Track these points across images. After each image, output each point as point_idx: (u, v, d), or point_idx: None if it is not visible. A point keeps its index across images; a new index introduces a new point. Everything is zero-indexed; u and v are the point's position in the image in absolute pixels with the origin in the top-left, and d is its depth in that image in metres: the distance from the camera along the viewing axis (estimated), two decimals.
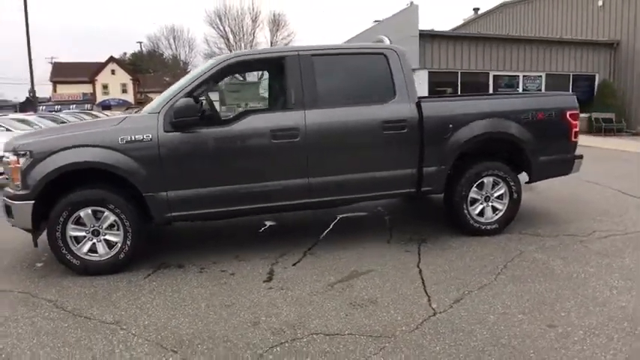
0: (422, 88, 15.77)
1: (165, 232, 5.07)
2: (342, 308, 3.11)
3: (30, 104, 36.87)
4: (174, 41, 56.72)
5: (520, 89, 15.88)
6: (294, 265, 3.94)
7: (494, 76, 15.93)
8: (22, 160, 3.66)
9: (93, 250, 3.81)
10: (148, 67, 57.78)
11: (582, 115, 16.55)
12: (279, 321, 2.97)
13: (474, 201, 4.46)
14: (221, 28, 44.97)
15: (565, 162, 4.66)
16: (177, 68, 52.79)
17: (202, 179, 3.84)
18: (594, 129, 15.52)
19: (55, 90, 52.33)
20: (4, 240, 4.73)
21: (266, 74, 4.80)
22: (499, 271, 3.67)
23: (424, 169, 4.25)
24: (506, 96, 5.22)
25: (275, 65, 4.20)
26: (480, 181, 4.40)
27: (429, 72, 15.89)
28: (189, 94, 3.83)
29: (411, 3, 15.68)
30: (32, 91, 24.83)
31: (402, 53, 4.27)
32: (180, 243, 4.79)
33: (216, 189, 3.86)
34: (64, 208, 3.67)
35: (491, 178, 4.42)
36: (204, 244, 4.67)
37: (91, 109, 37.53)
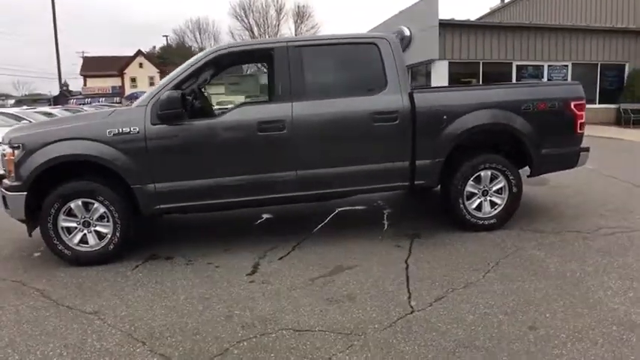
0: (442, 79, 15.43)
1: (160, 224, 5.13)
2: (318, 304, 3.06)
3: (63, 97, 38.20)
4: (200, 34, 57.45)
5: (545, 79, 15.30)
6: (280, 259, 3.91)
7: (517, 66, 15.42)
8: (16, 152, 3.76)
9: (84, 240, 3.88)
10: (174, 60, 58.73)
11: (611, 105, 16.02)
12: (252, 315, 2.95)
13: (471, 195, 4.30)
14: (245, 20, 45.29)
15: (569, 155, 4.44)
16: None
17: (189, 171, 3.84)
18: (623, 120, 14.84)
19: (85, 83, 53.86)
20: (6, 229, 4.88)
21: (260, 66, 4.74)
22: (489, 268, 3.53)
23: (417, 162, 4.12)
24: (505, 86, 4.99)
25: (264, 57, 4.15)
26: (477, 174, 4.24)
27: (449, 62, 15.54)
28: (176, 87, 3.83)
29: None
30: (61, 85, 25.68)
31: (395, 42, 4.13)
32: (173, 235, 4.82)
33: (203, 181, 3.86)
34: (55, 200, 3.75)
35: (489, 172, 4.25)
36: (198, 236, 4.69)
37: (120, 102, 38.48)
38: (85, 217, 3.84)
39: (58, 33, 23.91)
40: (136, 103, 4.00)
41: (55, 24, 23.55)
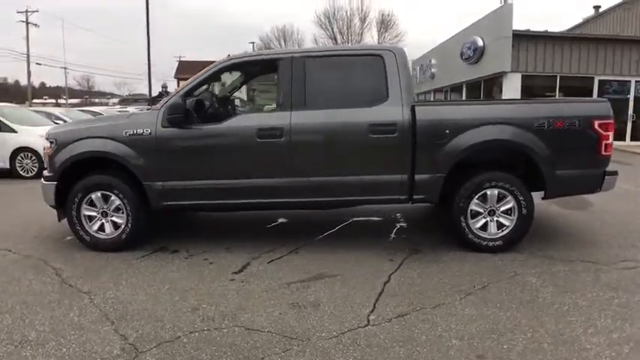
0: (514, 92, 14.62)
1: (183, 220, 5.51)
2: (281, 307, 3.14)
3: (160, 97, 42.12)
4: (285, 41, 59.84)
5: (631, 96, 13.82)
6: (271, 261, 4.03)
7: (599, 81, 14.11)
8: (51, 146, 4.32)
9: (102, 229, 4.33)
10: None
11: None
12: (216, 310, 3.10)
13: (477, 214, 4.10)
14: (329, 29, 46.29)
15: (591, 178, 4.05)
16: None
17: (192, 173, 4.13)
18: None
19: (178, 85, 58.56)
20: (53, 214, 5.54)
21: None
22: (472, 291, 3.35)
23: (416, 176, 4.03)
24: (518, 102, 4.67)
25: (270, 67, 4.32)
26: (482, 192, 4.03)
27: (522, 75, 14.67)
28: (187, 94, 4.15)
29: (505, 1, 14.59)
30: (150, 86, 28.23)
31: (401, 55, 4.09)
32: (189, 231, 5.16)
33: (204, 183, 4.12)
34: (79, 191, 4.23)
35: (495, 190, 4.02)
36: (210, 233, 4.98)
37: None
38: (103, 208, 4.28)
39: (150, 39, 26.34)
40: (154, 107, 4.38)
41: (148, 30, 26.05)
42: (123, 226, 4.27)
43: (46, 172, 4.44)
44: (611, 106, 4.08)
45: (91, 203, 4.29)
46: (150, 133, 4.10)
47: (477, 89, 18.25)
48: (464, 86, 19.61)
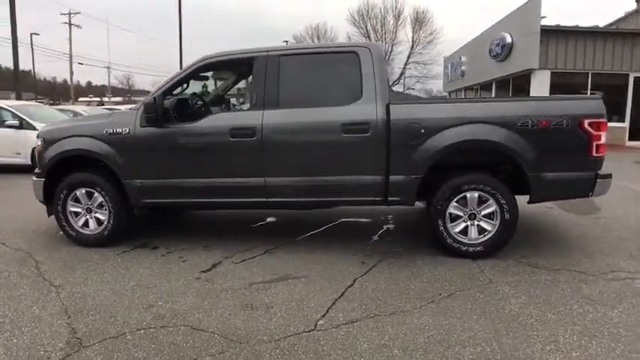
0: (542, 90, 13.99)
1: (177, 217, 5.58)
2: (233, 307, 3.11)
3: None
4: (318, 40, 59.81)
5: None
6: (243, 261, 4.01)
7: (635, 78, 13.24)
8: (41, 144, 4.47)
9: (86, 224, 4.45)
10: None
11: None
12: (169, 308, 3.11)
13: (456, 218, 3.92)
14: (363, 26, 45.92)
15: (581, 181, 3.78)
16: None
17: (169, 171, 4.16)
18: None
19: (215, 85, 59.88)
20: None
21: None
22: (437, 299, 3.20)
23: (391, 178, 3.90)
24: (500, 100, 4.41)
25: (245, 66, 4.29)
26: (461, 195, 3.85)
27: (551, 73, 14.01)
28: (166, 93, 4.19)
29: None
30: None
31: (377, 51, 3.96)
32: (177, 228, 5.21)
33: (180, 181, 4.15)
34: (64, 187, 4.37)
35: (475, 193, 3.83)
36: (197, 231, 5.03)
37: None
38: (87, 204, 4.40)
39: (183, 39, 27.11)
40: (134, 106, 4.45)
41: (181, 29, 26.78)
42: (105, 223, 4.38)
43: (36, 170, 4.61)
44: None
45: (76, 200, 4.42)
46: (129, 132, 4.17)
47: (506, 87, 17.60)
48: (493, 84, 18.98)
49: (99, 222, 4.42)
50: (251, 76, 4.09)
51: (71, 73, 41.36)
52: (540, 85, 13.94)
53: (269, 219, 5.46)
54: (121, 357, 2.53)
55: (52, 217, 4.57)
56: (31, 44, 38.59)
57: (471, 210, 3.89)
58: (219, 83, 5.40)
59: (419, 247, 4.25)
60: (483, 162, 3.97)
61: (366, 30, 45.95)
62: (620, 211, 5.71)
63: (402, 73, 49.58)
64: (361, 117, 3.84)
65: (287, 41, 58.55)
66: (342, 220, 5.34)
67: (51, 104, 36.99)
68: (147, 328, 2.85)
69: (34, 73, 43.20)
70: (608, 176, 3.81)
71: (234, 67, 4.72)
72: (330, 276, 3.64)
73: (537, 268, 3.74)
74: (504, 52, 16.31)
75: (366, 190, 3.96)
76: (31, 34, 38.78)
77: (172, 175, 4.17)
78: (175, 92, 4.31)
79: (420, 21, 46.13)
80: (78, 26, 40.54)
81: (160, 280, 3.63)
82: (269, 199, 4.09)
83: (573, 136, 3.70)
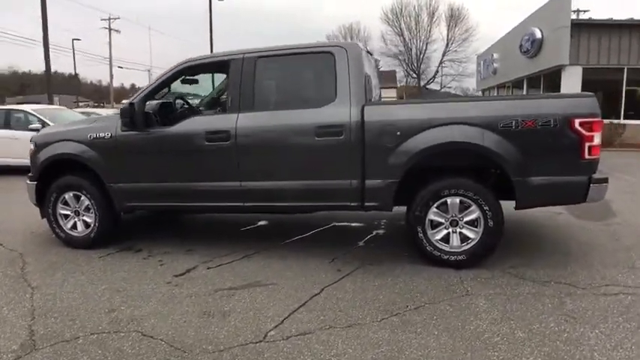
0: (574, 87, 13.28)
1: (170, 220, 5.62)
2: (191, 315, 3.07)
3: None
4: (351, 39, 59.56)
5: None
6: (218, 266, 3.98)
7: None
8: (33, 149, 4.62)
9: (75, 227, 4.55)
10: None
11: None
12: (130, 314, 3.11)
13: (437, 224, 3.72)
14: (396, 25, 45.36)
15: (571, 186, 3.49)
16: None
17: (149, 175, 4.19)
18: None
19: None
20: None
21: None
22: (402, 312, 3.03)
23: (367, 182, 3.74)
24: (481, 99, 4.14)
25: (222, 68, 4.23)
26: (441, 200, 3.65)
27: (583, 68, 13.27)
28: (146, 97, 4.21)
29: None
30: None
31: (353, 51, 3.81)
32: (168, 231, 5.22)
33: (160, 185, 4.16)
34: (53, 191, 4.48)
35: (457, 199, 3.62)
36: (185, 234, 5.04)
37: None
38: (75, 207, 4.50)
39: (213, 40, 27.79)
40: (116, 111, 4.51)
41: (211, 31, 27.40)
42: (92, 225, 4.46)
43: (29, 173, 4.76)
44: None
45: (65, 203, 4.52)
46: (110, 137, 4.22)
47: (537, 84, 16.84)
48: (524, 81, 18.21)
49: (86, 225, 4.51)
50: (227, 79, 4.03)
51: (111, 76, 43.10)
52: (572, 81, 13.22)
53: (260, 222, 5.41)
54: None
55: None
56: (73, 50, 40.61)
57: (452, 216, 3.68)
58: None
59: (403, 256, 4.07)
60: (468, 165, 3.75)
61: (400, 28, 45.38)
62: (638, 217, 5.27)
63: (437, 71, 48.59)
64: (334, 119, 3.71)
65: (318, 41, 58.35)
66: (334, 224, 5.22)
67: (95, 106, 38.79)
68: (100, 333, 2.85)
69: (76, 74, 45.51)
70: (604, 180, 3.50)
71: (215, 69, 4.69)
72: (300, 284, 3.54)
73: (523, 280, 3.49)
74: (534, 47, 15.59)
75: (341, 195, 3.83)
76: (73, 40, 40.85)
77: (152, 179, 4.19)
78: (175, 94, 4.34)
79: (454, 18, 45.12)
80: (117, 31, 42.12)
81: (131, 284, 3.64)
82: (245, 204, 4.04)
83: (563, 137, 3.42)
